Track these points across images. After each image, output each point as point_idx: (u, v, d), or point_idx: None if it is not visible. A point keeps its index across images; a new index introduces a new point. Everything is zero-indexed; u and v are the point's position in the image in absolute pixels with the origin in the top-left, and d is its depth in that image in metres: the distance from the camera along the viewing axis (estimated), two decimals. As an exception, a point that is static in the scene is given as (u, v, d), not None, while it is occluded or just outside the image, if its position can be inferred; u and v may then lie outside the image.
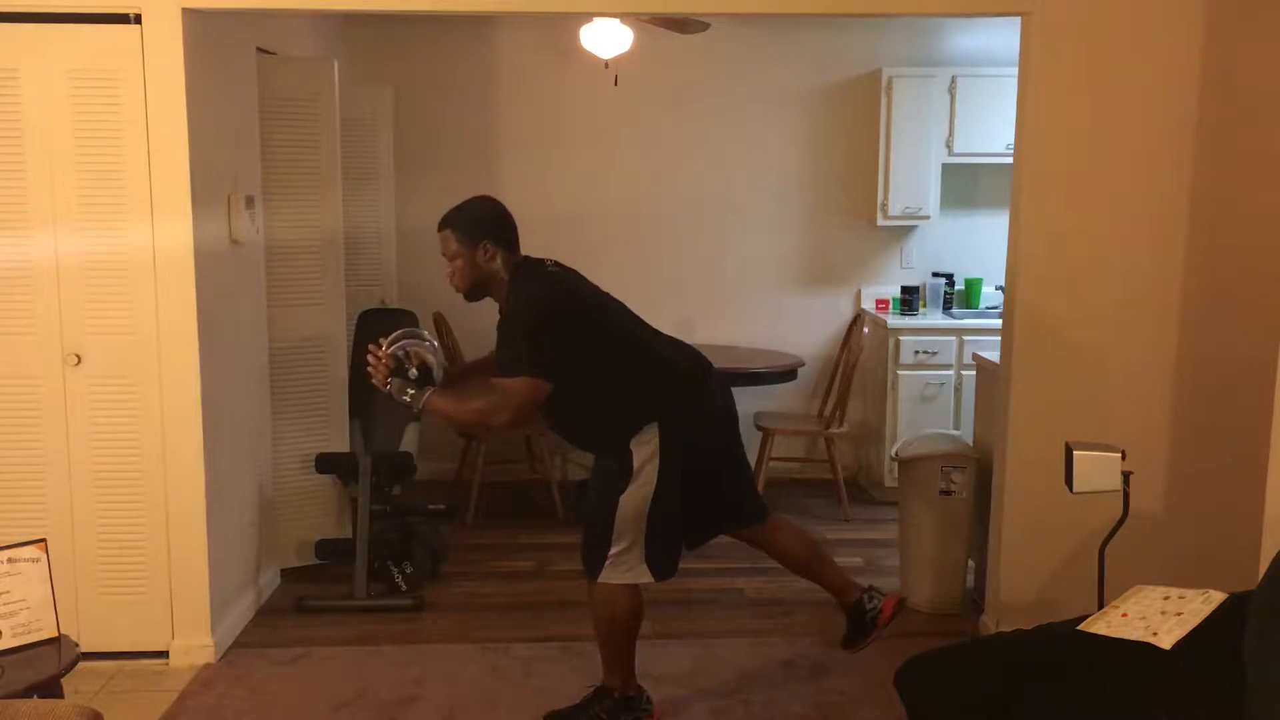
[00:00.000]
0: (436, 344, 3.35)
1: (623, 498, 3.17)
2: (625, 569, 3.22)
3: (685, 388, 3.31)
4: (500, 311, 3.26)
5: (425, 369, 3.26)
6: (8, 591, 2.85)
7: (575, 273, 3.33)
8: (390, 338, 3.25)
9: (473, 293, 3.26)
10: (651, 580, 3.25)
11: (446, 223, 3.24)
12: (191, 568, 3.79)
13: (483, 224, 3.23)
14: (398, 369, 3.22)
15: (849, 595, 3.57)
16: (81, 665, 2.99)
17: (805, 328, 6.16)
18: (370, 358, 3.20)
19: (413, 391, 3.16)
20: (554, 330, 3.13)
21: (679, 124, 6.03)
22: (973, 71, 5.76)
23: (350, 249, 4.86)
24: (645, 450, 3.17)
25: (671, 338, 3.44)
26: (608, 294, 3.36)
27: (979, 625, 4.13)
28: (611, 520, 3.18)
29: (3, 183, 3.58)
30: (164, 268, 3.65)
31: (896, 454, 4.48)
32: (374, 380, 3.20)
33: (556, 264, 3.32)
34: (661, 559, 3.25)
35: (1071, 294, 3.82)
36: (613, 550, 3.20)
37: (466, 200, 3.31)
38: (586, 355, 3.16)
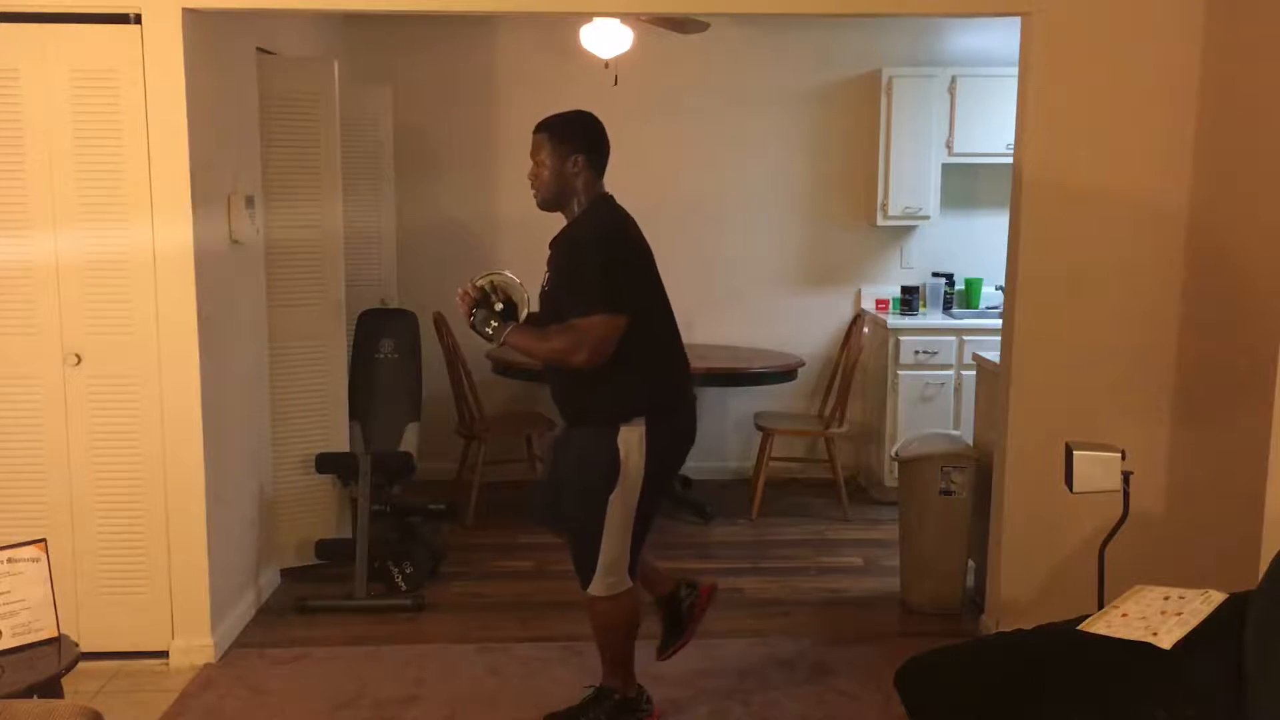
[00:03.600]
0: (524, 286, 3.31)
1: (611, 498, 3.12)
2: (612, 580, 3.19)
3: (680, 389, 3.30)
4: (563, 231, 3.22)
5: (510, 305, 3.25)
6: (8, 591, 2.85)
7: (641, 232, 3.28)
8: (481, 274, 3.26)
9: (549, 203, 3.21)
10: (629, 586, 3.24)
11: (544, 126, 3.19)
12: (191, 568, 3.79)
13: (580, 137, 3.18)
14: (483, 300, 3.21)
15: (664, 588, 3.53)
16: (81, 665, 2.99)
17: (805, 328, 6.16)
18: (460, 290, 3.20)
19: (495, 325, 3.16)
20: (629, 265, 3.11)
21: (679, 124, 6.03)
22: (973, 71, 5.76)
23: (350, 249, 4.85)
24: (632, 439, 3.10)
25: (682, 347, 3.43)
26: (655, 264, 3.32)
27: (979, 625, 4.13)
28: (601, 526, 3.14)
29: (3, 183, 3.59)
30: (164, 268, 3.65)
31: (896, 454, 4.48)
32: (460, 310, 3.20)
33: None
34: (634, 562, 3.25)
35: (1071, 294, 3.82)
36: (600, 559, 3.16)
37: (571, 111, 3.26)
38: (639, 311, 3.11)
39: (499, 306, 3.22)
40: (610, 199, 3.25)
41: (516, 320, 3.23)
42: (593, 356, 3.04)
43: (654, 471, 3.16)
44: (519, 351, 3.24)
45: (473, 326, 3.21)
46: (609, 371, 3.09)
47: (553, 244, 3.26)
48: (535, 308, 3.30)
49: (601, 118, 6.15)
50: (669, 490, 3.36)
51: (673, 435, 3.23)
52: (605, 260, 3.09)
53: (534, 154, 3.19)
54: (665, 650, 3.54)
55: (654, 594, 3.55)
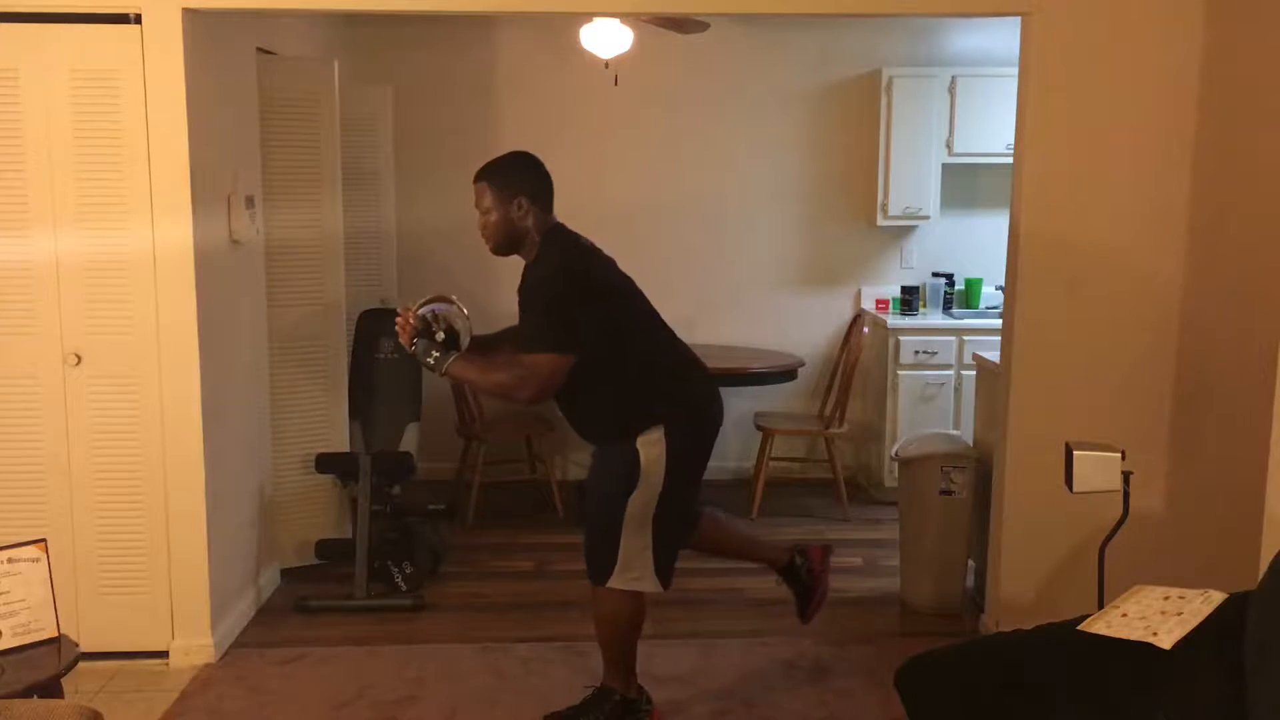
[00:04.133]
0: (467, 312, 3.30)
1: (630, 499, 3.14)
2: (634, 578, 3.19)
3: (697, 395, 3.29)
4: (524, 273, 3.23)
5: (452, 334, 3.22)
6: (8, 591, 2.85)
7: (606, 255, 3.28)
8: (421, 301, 3.23)
9: (502, 248, 3.22)
10: (660, 590, 3.24)
11: (483, 174, 3.21)
12: (191, 568, 3.79)
13: (519, 179, 3.20)
14: (424, 330, 3.19)
15: (781, 561, 3.64)
16: (81, 665, 2.99)
17: (805, 328, 6.16)
18: (398, 318, 3.19)
19: (437, 354, 3.14)
20: (581, 302, 3.09)
21: (679, 124, 6.03)
22: (973, 71, 5.76)
23: (350, 249, 4.85)
24: (653, 450, 3.14)
25: (684, 343, 3.44)
26: (635, 285, 3.30)
27: (979, 625, 4.13)
28: (619, 523, 3.16)
29: (3, 183, 3.59)
30: (164, 268, 3.65)
31: (896, 454, 4.48)
32: (400, 339, 3.19)
33: (587, 241, 3.28)
34: (667, 567, 3.24)
35: (1071, 294, 3.82)
36: (620, 555, 3.17)
37: (505, 154, 3.28)
38: (611, 338, 3.12)
39: (440, 335, 3.19)
40: (562, 231, 3.24)
41: (459, 349, 3.21)
42: (539, 394, 3.08)
43: (675, 471, 3.16)
44: (461, 381, 3.23)
45: (414, 356, 3.18)
46: (612, 396, 3.16)
47: (519, 289, 3.27)
48: (475, 332, 3.28)
49: (601, 118, 6.18)
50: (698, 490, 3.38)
51: (693, 436, 3.23)
52: (552, 301, 3.09)
53: (478, 204, 3.20)
54: (805, 614, 3.67)
55: (775, 569, 3.67)
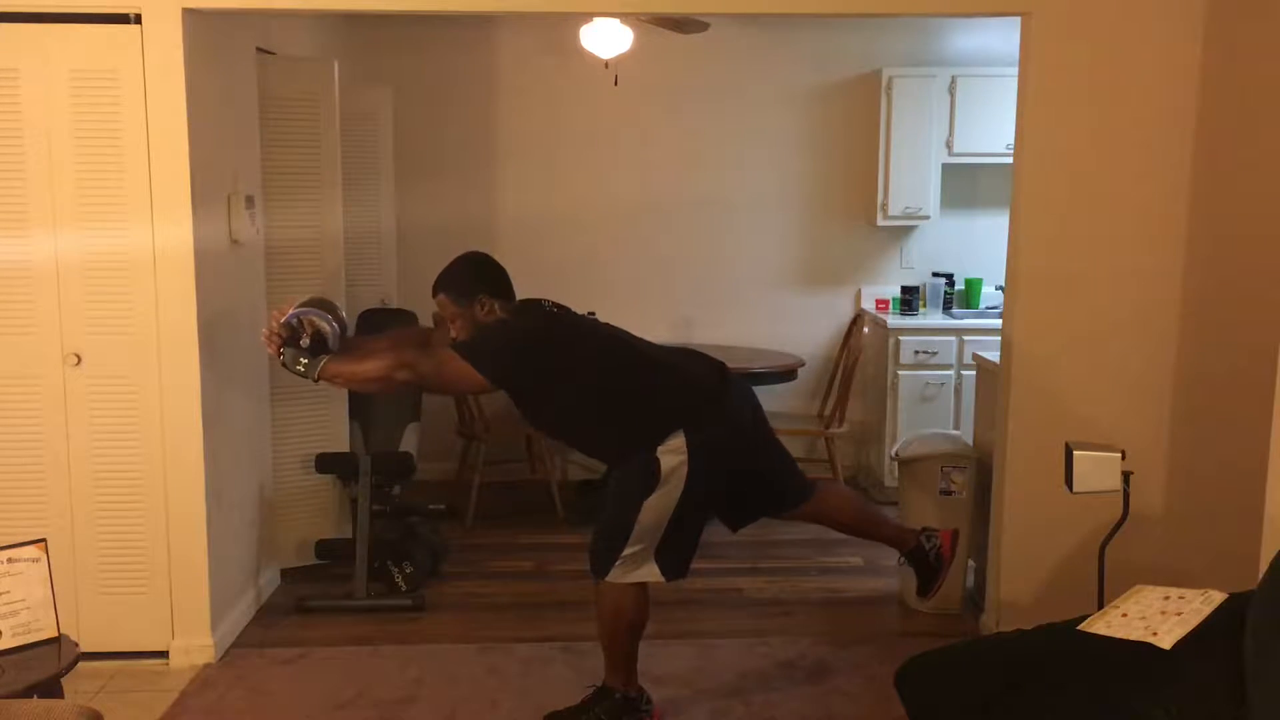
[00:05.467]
0: (341, 313, 3.27)
1: (647, 502, 3.15)
2: (633, 568, 3.20)
3: (702, 392, 3.29)
4: None
5: (320, 338, 3.17)
6: (8, 591, 2.85)
7: (570, 310, 3.37)
8: (295, 305, 3.20)
9: None
10: (661, 579, 3.24)
11: (439, 287, 3.26)
12: (191, 568, 3.79)
13: (473, 281, 3.26)
14: (291, 338, 3.16)
15: (908, 544, 3.64)
16: (81, 665, 2.99)
17: (805, 328, 6.16)
18: (264, 330, 3.18)
19: (305, 361, 3.12)
20: (517, 356, 3.16)
21: (679, 124, 6.03)
22: (973, 71, 5.76)
23: (350, 249, 4.85)
24: (674, 458, 3.15)
25: (683, 348, 3.46)
26: (606, 325, 3.40)
27: (979, 625, 4.13)
28: (632, 524, 3.16)
29: (3, 183, 3.58)
30: (164, 268, 3.65)
31: (896, 454, 4.48)
32: (268, 350, 3.18)
33: (555, 304, 3.35)
34: (674, 560, 3.25)
35: (1071, 294, 3.82)
36: (626, 551, 3.18)
37: (453, 261, 3.32)
38: (581, 379, 3.19)
39: (304, 342, 3.15)
40: (527, 304, 3.31)
41: (329, 351, 3.19)
42: (433, 376, 3.15)
43: (700, 473, 3.17)
44: (340, 383, 3.23)
45: (284, 365, 3.16)
46: (619, 432, 3.22)
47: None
48: (350, 331, 3.29)
49: (601, 118, 6.17)
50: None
51: (717, 432, 3.23)
52: (497, 345, 3.16)
53: (446, 317, 3.26)
54: (925, 593, 3.69)
55: (900, 551, 3.68)
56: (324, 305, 3.25)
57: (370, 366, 3.16)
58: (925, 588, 3.69)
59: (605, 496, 3.34)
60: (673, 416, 3.19)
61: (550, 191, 5.96)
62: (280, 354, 3.14)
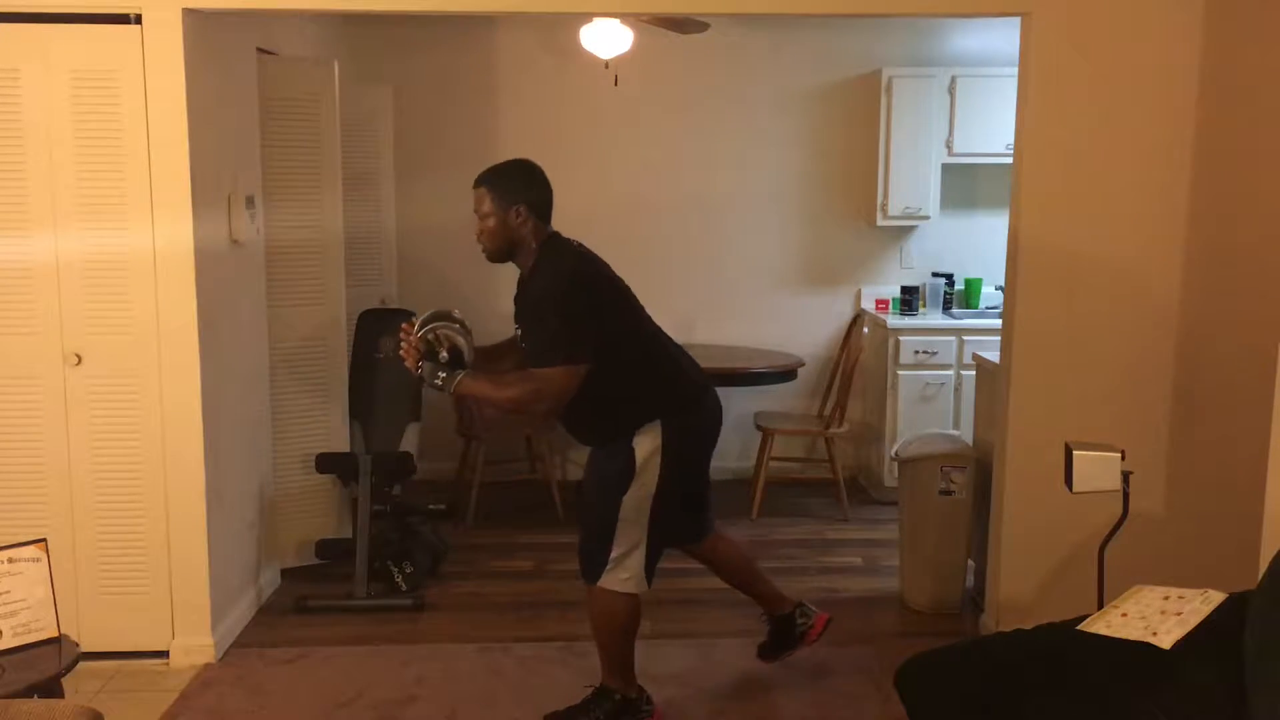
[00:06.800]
0: (468, 326, 3.28)
1: (624, 498, 3.15)
2: (625, 576, 3.20)
3: (691, 388, 3.31)
4: (520, 281, 3.24)
5: (456, 351, 3.21)
6: (8, 591, 2.85)
7: (599, 258, 3.29)
8: (420, 320, 3.21)
9: (497, 255, 3.23)
10: (646, 588, 3.25)
11: (484, 180, 3.20)
12: (191, 568, 3.79)
13: (520, 188, 3.19)
14: (429, 352, 3.18)
15: (782, 608, 3.65)
16: (81, 665, 2.99)
17: (805, 328, 6.16)
18: (402, 341, 3.17)
19: (444, 375, 3.12)
20: (586, 309, 3.10)
21: (679, 124, 6.03)
22: (973, 71, 5.76)
23: (350, 249, 4.85)
24: (647, 447, 3.15)
25: (674, 342, 3.44)
26: (625, 284, 3.31)
27: (979, 625, 4.13)
28: (613, 522, 3.16)
29: (3, 183, 3.59)
30: (164, 267, 3.65)
31: (896, 454, 4.48)
32: (405, 365, 3.16)
33: (582, 246, 3.29)
34: (651, 567, 3.25)
35: (1071, 294, 3.82)
36: (613, 553, 3.18)
37: (508, 161, 3.27)
38: (609, 341, 3.13)
39: (444, 356, 3.18)
40: (557, 239, 3.24)
41: (465, 365, 3.20)
42: (554, 404, 3.11)
43: (672, 467, 3.17)
44: (474, 399, 3.22)
45: (421, 379, 3.17)
46: (609, 398, 3.15)
47: (516, 300, 3.29)
48: (477, 343, 3.28)
49: (601, 118, 6.18)
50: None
51: (688, 434, 3.24)
52: (561, 308, 3.09)
53: (477, 208, 3.19)
54: (768, 656, 3.71)
55: (769, 611, 3.68)
56: (450, 319, 3.25)
57: (511, 394, 3.15)
58: (772, 652, 3.71)
59: (584, 492, 3.34)
60: (661, 406, 3.18)
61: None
62: (419, 369, 3.14)
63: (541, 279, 3.17)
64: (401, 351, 3.17)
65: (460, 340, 3.23)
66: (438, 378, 3.13)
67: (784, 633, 3.67)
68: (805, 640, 3.65)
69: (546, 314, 3.11)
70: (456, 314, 3.28)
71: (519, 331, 3.30)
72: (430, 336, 3.20)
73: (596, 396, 3.15)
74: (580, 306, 3.10)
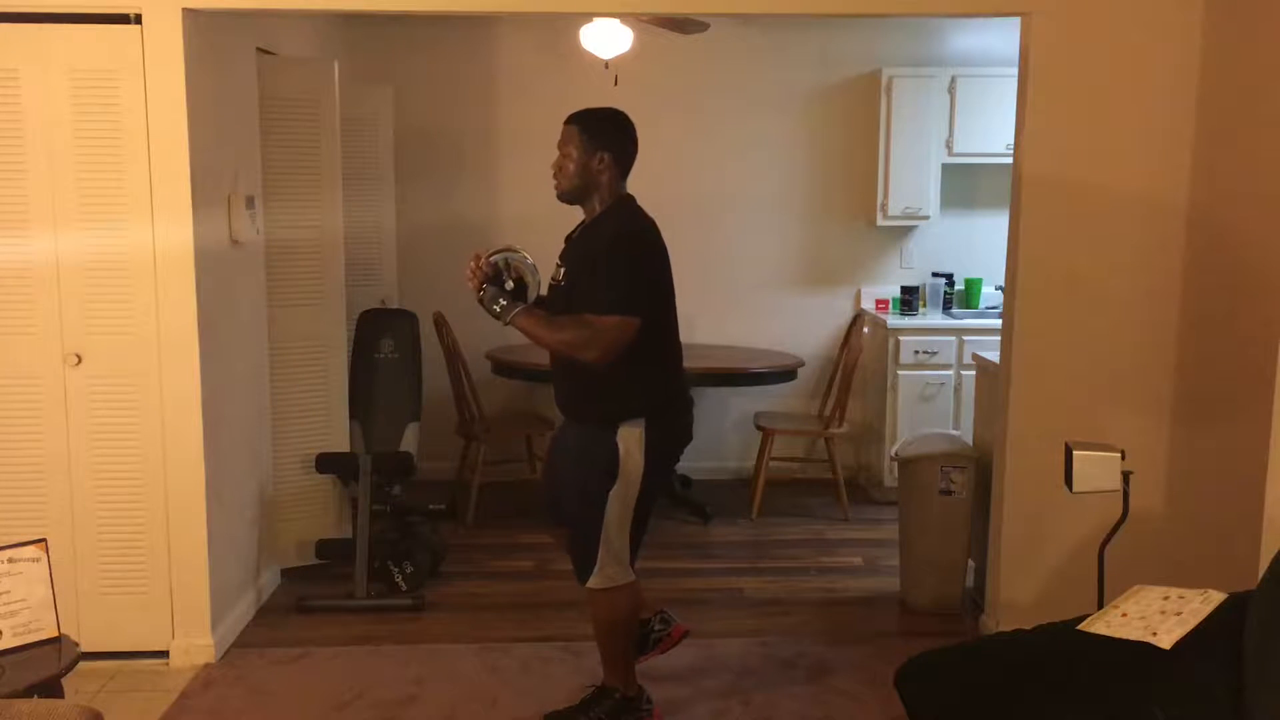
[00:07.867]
0: (538, 267, 3.25)
1: (611, 495, 3.14)
2: (610, 574, 3.20)
3: (683, 392, 3.31)
4: (582, 230, 3.23)
5: (521, 286, 3.18)
6: (8, 591, 2.85)
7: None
8: (493, 250, 3.19)
9: (568, 195, 3.21)
10: (633, 578, 3.24)
11: (577, 119, 3.19)
12: (191, 568, 3.79)
13: (612, 136, 3.18)
14: (495, 277, 3.15)
15: (643, 613, 3.53)
16: (81, 665, 2.99)
17: (805, 328, 6.16)
18: (470, 263, 3.15)
19: (504, 303, 3.10)
20: (651, 272, 3.10)
21: (679, 124, 6.03)
22: (973, 71, 5.76)
23: (350, 249, 4.85)
24: (631, 439, 3.12)
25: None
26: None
27: (979, 625, 4.13)
28: (600, 522, 3.15)
29: (3, 183, 3.58)
30: (164, 268, 3.65)
31: (896, 454, 4.48)
32: (470, 284, 3.14)
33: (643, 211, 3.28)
34: (635, 551, 3.26)
35: (1071, 294, 3.82)
36: (601, 553, 3.18)
37: (605, 107, 3.26)
38: (649, 317, 3.10)
39: (510, 285, 3.16)
40: (633, 201, 3.24)
41: (526, 301, 3.18)
42: (604, 355, 3.03)
43: (652, 469, 3.16)
44: (525, 334, 3.16)
45: (480, 302, 3.14)
46: (615, 372, 3.09)
47: (571, 239, 3.27)
48: (544, 291, 3.25)
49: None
50: (668, 490, 3.34)
51: (670, 435, 3.24)
52: (630, 261, 3.08)
53: (562, 145, 3.18)
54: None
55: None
56: (523, 257, 3.22)
57: (565, 336, 3.08)
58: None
59: (556, 478, 3.33)
60: (653, 398, 3.16)
61: (549, 192, 5.92)
62: (481, 289, 3.12)
63: (615, 227, 3.14)
64: (468, 272, 3.15)
65: (528, 276, 3.20)
66: (498, 303, 3.10)
67: (642, 637, 3.55)
68: (659, 648, 3.54)
69: (610, 259, 3.07)
70: (530, 259, 3.25)
71: (560, 269, 3.26)
72: (500, 262, 3.17)
73: (605, 369, 3.08)
74: (648, 267, 3.11)
